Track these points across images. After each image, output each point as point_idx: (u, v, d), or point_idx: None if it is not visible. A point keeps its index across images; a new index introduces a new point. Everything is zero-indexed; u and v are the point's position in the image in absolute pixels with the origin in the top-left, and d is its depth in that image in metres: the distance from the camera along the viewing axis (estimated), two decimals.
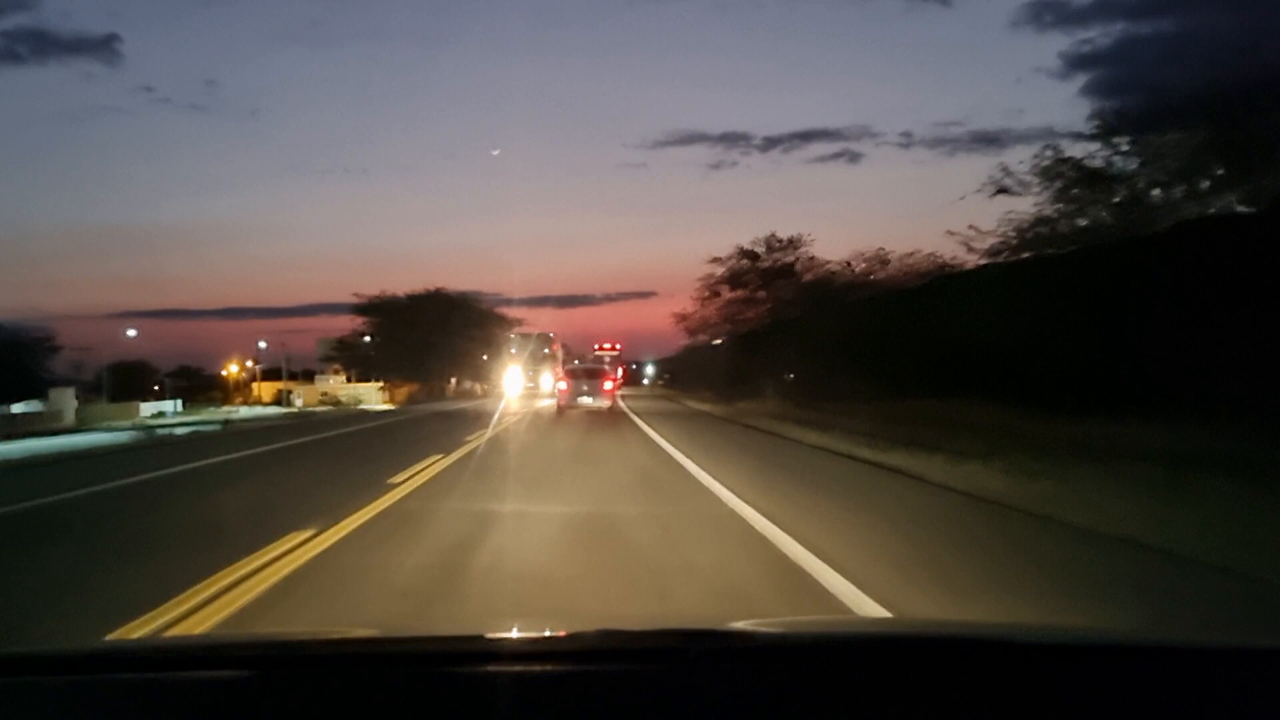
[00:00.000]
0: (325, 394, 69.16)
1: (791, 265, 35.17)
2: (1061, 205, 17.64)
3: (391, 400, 58.60)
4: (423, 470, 10.73)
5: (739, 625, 1.73)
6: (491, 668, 1.53)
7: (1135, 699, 1.47)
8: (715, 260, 36.55)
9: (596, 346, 41.52)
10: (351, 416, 30.55)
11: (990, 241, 19.45)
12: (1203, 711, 1.45)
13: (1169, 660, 1.67)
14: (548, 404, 29.47)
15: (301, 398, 70.44)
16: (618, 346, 41.35)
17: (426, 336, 55.93)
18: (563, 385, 25.73)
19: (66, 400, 49.33)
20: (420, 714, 1.41)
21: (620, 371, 30.11)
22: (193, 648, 1.77)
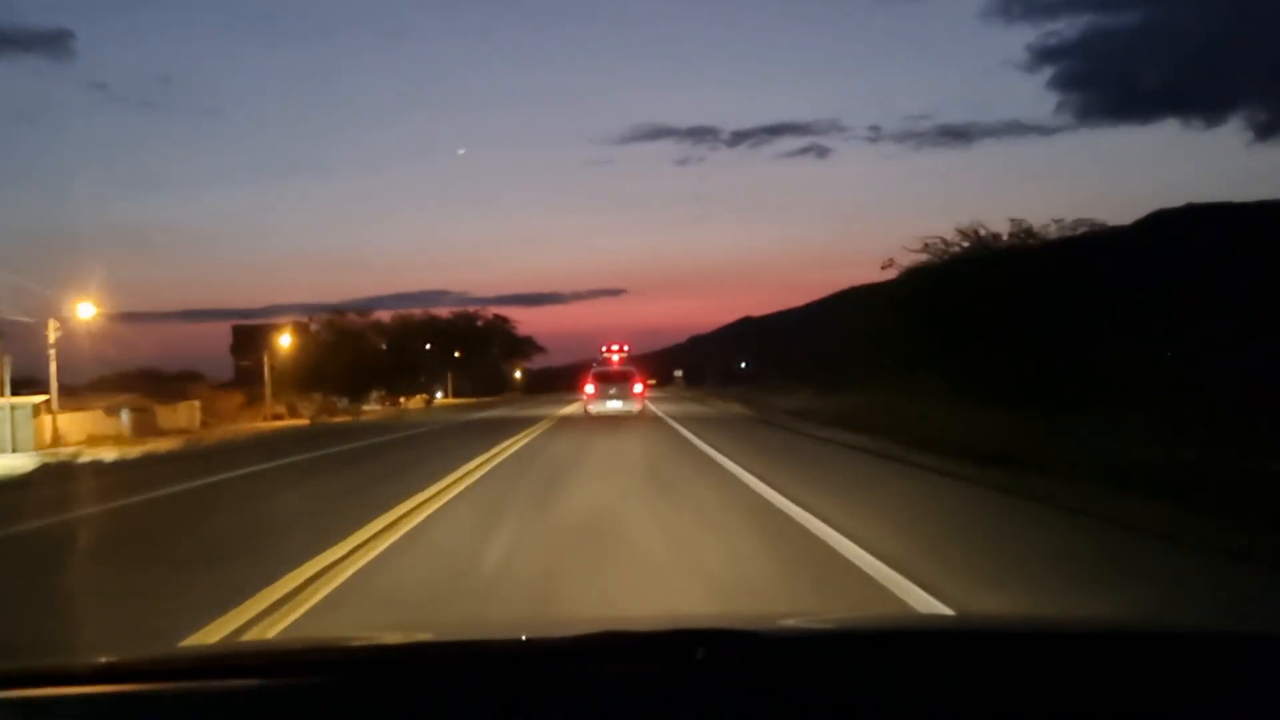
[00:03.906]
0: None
1: None
2: None
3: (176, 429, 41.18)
4: None
5: (746, 624, 1.72)
6: (499, 671, 1.54)
7: (1143, 687, 1.49)
8: None
9: (604, 348, 41.69)
10: None
11: None
12: (1211, 699, 1.47)
13: (1174, 648, 1.68)
14: None
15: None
16: (626, 348, 41.44)
17: None
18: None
19: None
20: (428, 718, 1.45)
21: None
22: (204, 658, 1.78)
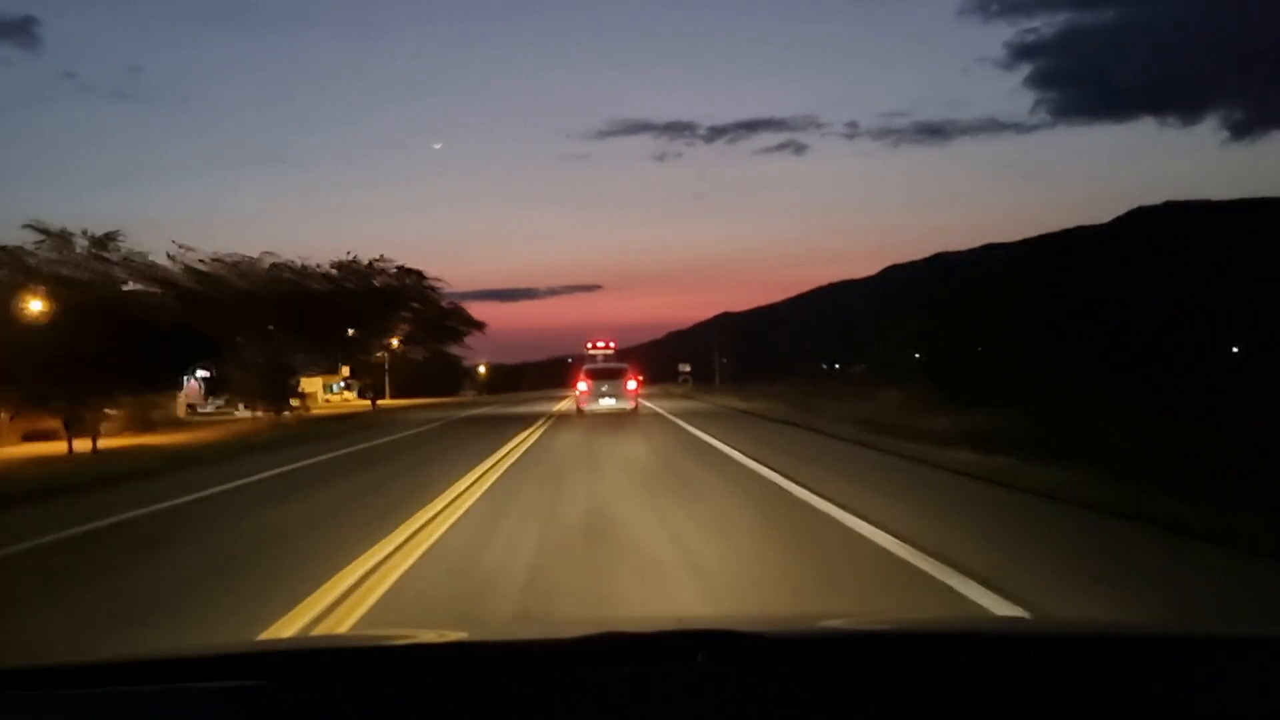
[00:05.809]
0: None
1: None
2: None
3: None
4: None
5: (748, 626, 1.71)
6: (499, 672, 1.55)
7: (1141, 690, 1.49)
8: None
9: (589, 345, 41.27)
10: None
11: None
12: (1210, 701, 1.46)
13: (1173, 650, 1.67)
14: None
15: None
16: (612, 345, 41.09)
17: None
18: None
19: None
20: (428, 718, 1.44)
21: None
22: (204, 658, 1.78)
